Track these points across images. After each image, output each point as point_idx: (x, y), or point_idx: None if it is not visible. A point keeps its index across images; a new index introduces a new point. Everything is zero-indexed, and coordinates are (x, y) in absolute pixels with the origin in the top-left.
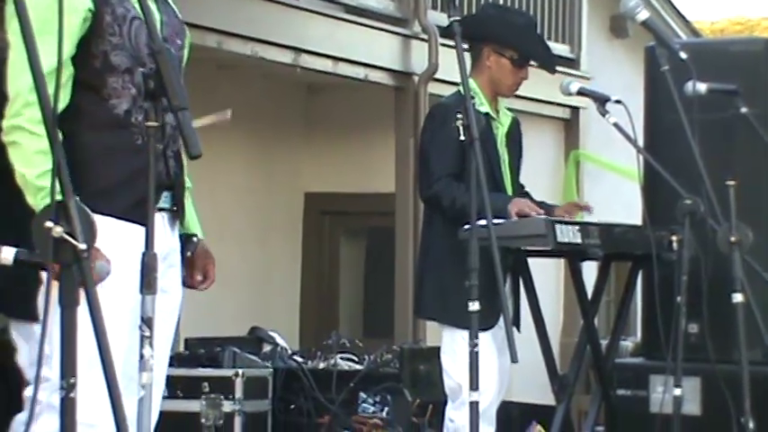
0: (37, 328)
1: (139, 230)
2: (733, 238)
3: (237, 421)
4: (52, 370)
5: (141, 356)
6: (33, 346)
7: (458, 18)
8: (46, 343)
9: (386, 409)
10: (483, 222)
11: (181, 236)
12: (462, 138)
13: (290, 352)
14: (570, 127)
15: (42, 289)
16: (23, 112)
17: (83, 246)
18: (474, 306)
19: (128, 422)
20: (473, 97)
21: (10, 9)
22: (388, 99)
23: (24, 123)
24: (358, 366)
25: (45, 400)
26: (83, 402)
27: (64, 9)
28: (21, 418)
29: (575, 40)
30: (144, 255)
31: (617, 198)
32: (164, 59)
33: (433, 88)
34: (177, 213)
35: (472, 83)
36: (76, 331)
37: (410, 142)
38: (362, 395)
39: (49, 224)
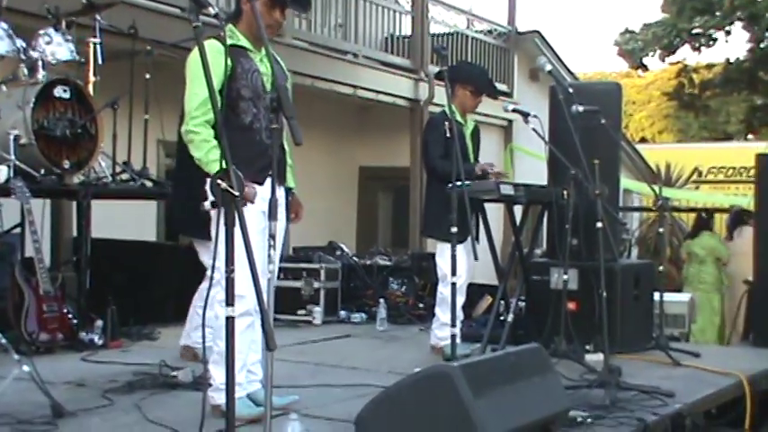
0: (210, 243)
1: (260, 188)
2: (597, 192)
3: (321, 293)
4: (220, 263)
5: (269, 256)
6: (207, 252)
7: (445, 68)
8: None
9: (404, 287)
10: (459, 183)
11: (285, 189)
12: (448, 135)
13: (350, 254)
14: (507, 130)
15: (213, 219)
16: (190, 122)
17: (237, 193)
18: (454, 230)
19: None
20: (453, 113)
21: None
22: (405, 114)
23: (192, 128)
24: (388, 263)
25: (217, 279)
26: (238, 281)
27: (220, 64)
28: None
29: (509, 80)
30: (270, 198)
31: (534, 171)
32: (282, 90)
33: (431, 109)
34: (282, 177)
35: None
36: (234, 241)
37: (417, 139)
38: (391, 279)
39: (219, 181)
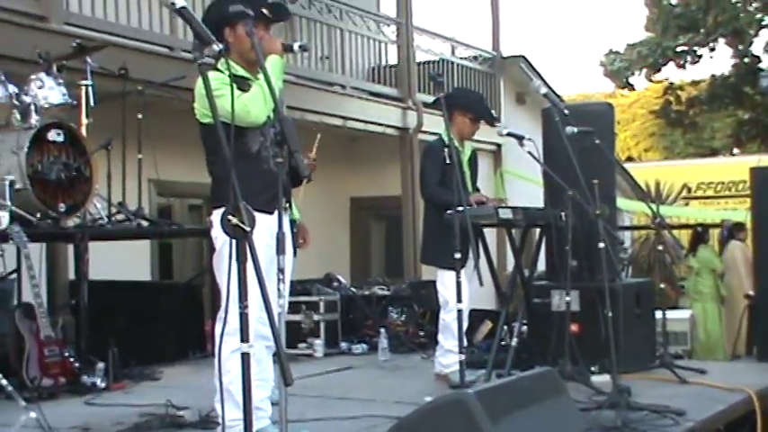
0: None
1: (268, 217)
2: (597, 212)
3: (321, 326)
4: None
5: (279, 290)
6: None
7: (441, 95)
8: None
9: (404, 315)
10: (460, 208)
11: (291, 221)
12: (448, 161)
13: (348, 285)
14: (496, 155)
15: (225, 253)
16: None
17: (247, 228)
18: (457, 255)
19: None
20: (452, 139)
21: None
22: (395, 143)
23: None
24: (387, 292)
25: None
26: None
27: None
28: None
29: (497, 105)
30: (278, 232)
31: (525, 194)
32: (286, 124)
33: (420, 137)
34: (288, 208)
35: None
36: (247, 275)
37: (408, 168)
38: (390, 308)
39: (230, 217)
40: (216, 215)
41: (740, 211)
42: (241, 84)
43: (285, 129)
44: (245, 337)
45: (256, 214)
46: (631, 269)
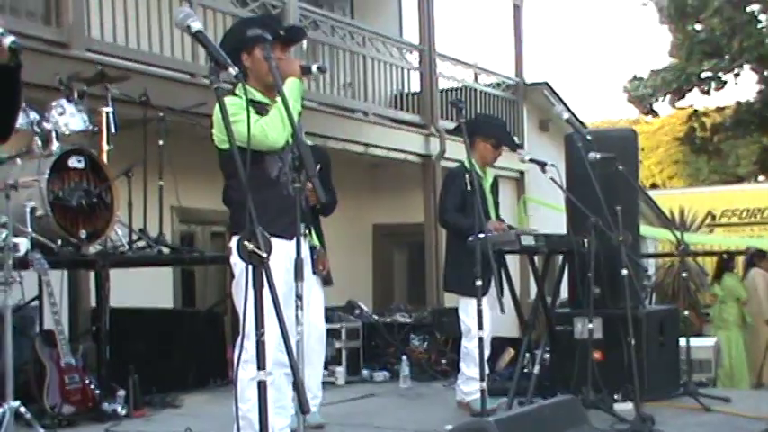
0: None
1: (287, 243)
2: (620, 238)
3: (343, 353)
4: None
5: (297, 317)
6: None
7: (463, 121)
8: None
9: (426, 343)
10: (481, 235)
11: (310, 247)
12: (469, 188)
13: (370, 313)
14: (519, 182)
15: (243, 280)
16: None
17: (264, 254)
18: (479, 282)
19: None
20: (473, 166)
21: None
22: (417, 170)
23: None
24: (408, 320)
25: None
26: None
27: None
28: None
29: (519, 132)
30: (296, 258)
31: (549, 221)
32: (303, 148)
33: (443, 164)
34: (308, 234)
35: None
36: (263, 302)
37: (430, 195)
38: (412, 336)
39: (246, 243)
40: (234, 241)
41: (765, 239)
42: (259, 109)
43: (303, 153)
44: (261, 365)
45: (275, 240)
46: (655, 296)
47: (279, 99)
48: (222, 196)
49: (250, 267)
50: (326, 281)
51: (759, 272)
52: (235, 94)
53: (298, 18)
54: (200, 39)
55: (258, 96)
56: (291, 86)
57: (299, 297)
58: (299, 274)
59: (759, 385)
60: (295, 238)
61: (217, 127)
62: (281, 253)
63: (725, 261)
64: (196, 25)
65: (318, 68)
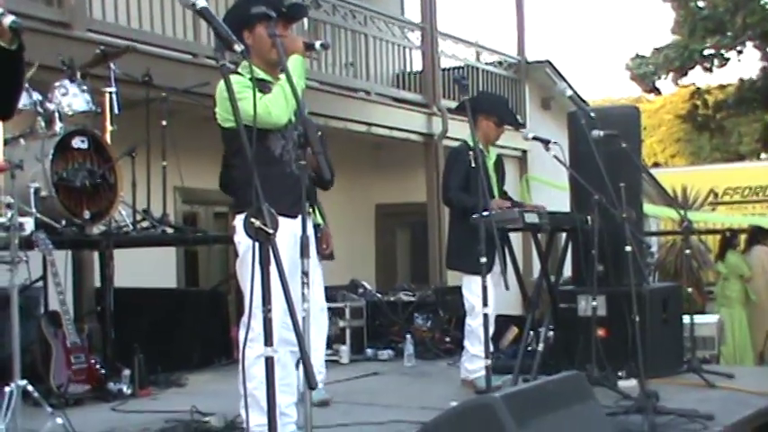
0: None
1: (292, 221)
2: (624, 215)
3: (347, 332)
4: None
5: (303, 294)
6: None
7: (466, 98)
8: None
9: (429, 322)
10: (486, 213)
11: (314, 225)
12: (473, 165)
13: (373, 292)
14: (522, 161)
15: (248, 258)
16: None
17: (271, 231)
18: (483, 260)
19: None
20: (476, 143)
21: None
22: (420, 150)
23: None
24: (412, 298)
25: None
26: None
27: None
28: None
29: (522, 110)
30: (302, 235)
31: (551, 200)
32: (308, 125)
33: (445, 143)
34: (312, 212)
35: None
36: (270, 278)
37: (433, 174)
38: (416, 315)
39: (252, 220)
40: (239, 220)
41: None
42: (262, 87)
43: (308, 131)
44: (269, 341)
45: (279, 218)
46: (658, 274)
47: (282, 76)
48: (219, 180)
49: (256, 244)
50: (328, 256)
51: (764, 249)
52: (238, 73)
53: None
54: (205, 15)
55: (260, 74)
56: (295, 63)
57: (304, 274)
58: (304, 252)
59: (762, 362)
60: (300, 216)
61: (220, 105)
62: (286, 232)
63: (728, 239)
64: (201, 2)
65: (322, 45)
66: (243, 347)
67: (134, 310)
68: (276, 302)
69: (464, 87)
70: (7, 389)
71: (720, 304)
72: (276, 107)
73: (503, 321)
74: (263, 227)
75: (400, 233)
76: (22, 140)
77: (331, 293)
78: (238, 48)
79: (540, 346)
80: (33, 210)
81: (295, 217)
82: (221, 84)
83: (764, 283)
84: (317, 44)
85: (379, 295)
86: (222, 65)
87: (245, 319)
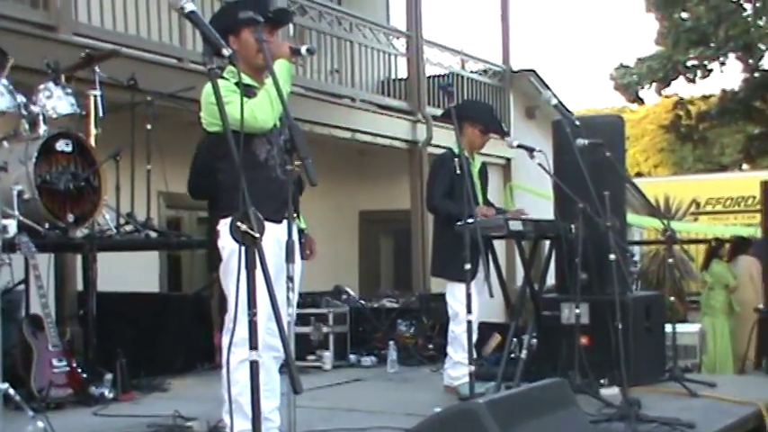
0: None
1: (276, 226)
2: (608, 224)
3: (330, 338)
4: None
5: (288, 298)
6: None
7: (452, 105)
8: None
9: (413, 328)
10: (470, 220)
11: (298, 230)
12: (458, 172)
13: (357, 298)
14: (506, 169)
15: (233, 263)
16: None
17: (257, 234)
18: (467, 266)
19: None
20: (462, 150)
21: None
22: (404, 157)
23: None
24: (396, 305)
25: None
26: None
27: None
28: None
29: (506, 119)
30: (287, 240)
31: (534, 208)
32: (295, 130)
33: (429, 150)
34: (296, 217)
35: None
36: (256, 282)
37: (417, 181)
38: (399, 321)
39: (239, 224)
40: (223, 224)
41: (749, 228)
42: (247, 92)
43: (295, 136)
44: (254, 345)
45: (267, 224)
46: (640, 283)
47: (267, 81)
48: (188, 186)
49: (242, 249)
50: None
51: (750, 259)
52: (223, 77)
53: (285, 2)
54: (194, 19)
55: (246, 80)
56: (281, 68)
57: (290, 279)
58: (290, 256)
59: (742, 372)
60: (285, 221)
61: (206, 110)
62: (270, 237)
63: (713, 248)
64: (190, 6)
65: (308, 50)
66: (228, 352)
67: (117, 315)
68: (260, 307)
69: (450, 94)
70: None
71: (704, 313)
72: (262, 111)
73: (486, 329)
74: (249, 231)
75: (384, 240)
76: (5, 143)
77: (314, 299)
78: (226, 52)
79: (524, 354)
80: (16, 212)
81: (279, 222)
82: (207, 88)
83: (752, 291)
84: (304, 49)
85: (362, 301)
86: (210, 69)
87: (229, 324)
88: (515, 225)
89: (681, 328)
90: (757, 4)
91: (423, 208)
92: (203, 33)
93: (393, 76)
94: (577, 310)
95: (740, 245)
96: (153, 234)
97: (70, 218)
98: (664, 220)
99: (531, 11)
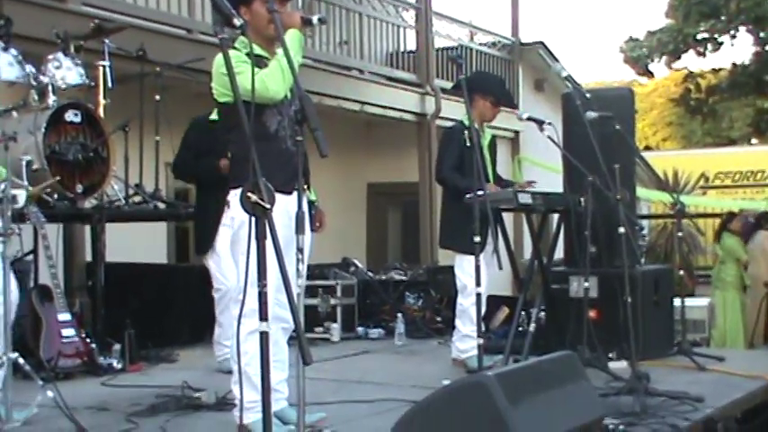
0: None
1: (286, 197)
2: (618, 197)
3: (338, 310)
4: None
5: (297, 269)
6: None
7: (463, 77)
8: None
9: (420, 301)
10: (480, 192)
11: (309, 201)
12: (468, 144)
13: (365, 270)
14: (514, 142)
15: (243, 233)
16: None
17: (267, 205)
18: (477, 239)
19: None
20: (472, 122)
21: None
22: (413, 129)
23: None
24: (404, 277)
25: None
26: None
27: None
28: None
29: (515, 91)
30: (297, 211)
31: (543, 181)
32: (306, 101)
33: (438, 123)
34: (306, 188)
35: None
36: (266, 253)
37: (425, 154)
38: (407, 294)
39: (249, 195)
40: (233, 195)
41: (758, 201)
42: (258, 63)
43: (305, 106)
44: (263, 316)
45: (277, 195)
46: (647, 258)
47: (278, 52)
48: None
49: (253, 219)
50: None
51: (765, 233)
52: (234, 48)
53: None
54: None
55: (257, 50)
56: (292, 38)
57: (299, 250)
58: (300, 228)
59: (752, 347)
60: (296, 192)
61: (217, 80)
62: (280, 208)
63: (725, 222)
64: None
65: (319, 20)
66: (237, 324)
67: (125, 286)
68: (270, 279)
69: (460, 66)
70: None
71: (715, 287)
72: (273, 82)
73: (493, 302)
74: (260, 201)
75: (392, 212)
76: (14, 113)
77: (322, 271)
78: (238, 22)
79: (532, 327)
80: (25, 182)
81: (289, 193)
82: (218, 58)
83: (765, 266)
84: (315, 19)
85: (370, 274)
86: (222, 39)
87: (238, 295)
88: (524, 198)
89: (689, 302)
90: None
91: (431, 180)
92: (214, 3)
93: (402, 49)
94: (586, 284)
95: (760, 220)
96: (161, 205)
97: (79, 188)
98: (673, 194)
99: None
